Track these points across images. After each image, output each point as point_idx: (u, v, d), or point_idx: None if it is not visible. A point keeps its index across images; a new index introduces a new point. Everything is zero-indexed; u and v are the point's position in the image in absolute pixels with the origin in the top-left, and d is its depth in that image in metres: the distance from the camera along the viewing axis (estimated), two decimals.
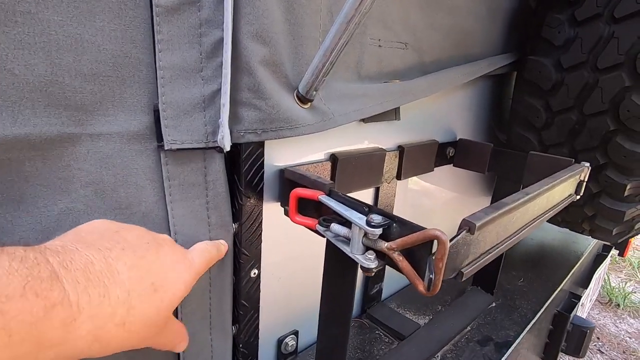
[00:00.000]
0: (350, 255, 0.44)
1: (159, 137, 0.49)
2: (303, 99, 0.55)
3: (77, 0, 0.40)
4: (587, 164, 0.77)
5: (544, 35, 0.89)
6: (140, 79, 0.47)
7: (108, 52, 0.44)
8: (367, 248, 0.44)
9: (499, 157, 0.92)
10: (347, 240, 0.45)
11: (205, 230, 0.56)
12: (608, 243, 1.55)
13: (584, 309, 1.40)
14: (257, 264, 0.63)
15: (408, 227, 0.41)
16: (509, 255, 1.26)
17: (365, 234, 0.43)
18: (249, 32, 0.49)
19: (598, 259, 1.52)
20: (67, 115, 0.43)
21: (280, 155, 0.62)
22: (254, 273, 0.63)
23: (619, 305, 2.79)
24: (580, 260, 1.27)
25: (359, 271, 0.44)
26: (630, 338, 2.51)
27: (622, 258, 3.34)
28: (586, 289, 1.28)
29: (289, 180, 0.58)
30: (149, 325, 0.37)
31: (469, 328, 0.88)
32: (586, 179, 0.78)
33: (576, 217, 1.06)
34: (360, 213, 0.44)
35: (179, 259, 0.44)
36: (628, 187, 0.87)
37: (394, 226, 0.42)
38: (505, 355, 0.79)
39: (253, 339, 0.67)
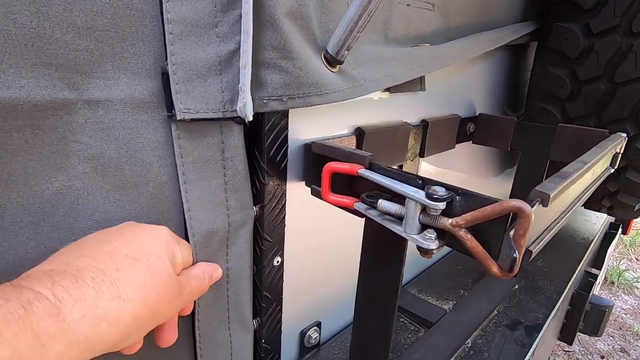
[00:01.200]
0: (404, 235, 0.38)
1: (169, 106, 0.41)
2: (332, 61, 0.48)
3: None
4: (624, 135, 0.72)
5: None
6: (144, 35, 0.39)
7: (105, 1, 0.36)
8: (423, 226, 0.37)
9: (523, 132, 0.86)
10: (398, 219, 0.39)
11: (224, 215, 0.49)
12: (619, 219, 1.54)
13: (597, 288, 1.39)
14: (280, 251, 0.56)
15: (477, 200, 0.35)
16: None
17: (424, 210, 0.37)
18: None
19: (607, 237, 1.50)
20: (59, 76, 0.35)
21: (303, 128, 0.55)
22: (277, 261, 0.56)
23: (613, 282, 2.83)
24: (594, 239, 1.24)
25: (424, 257, 0.37)
26: (626, 314, 2.56)
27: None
28: (601, 268, 1.26)
29: (317, 155, 0.51)
30: (150, 289, 0.33)
31: (495, 312, 0.84)
32: (622, 151, 0.73)
33: (597, 194, 1.02)
34: (414, 186, 0.38)
35: (165, 267, 0.37)
36: None
37: (457, 199, 0.36)
38: (537, 338, 0.76)
39: (276, 333, 0.61)
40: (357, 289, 0.49)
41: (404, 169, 0.75)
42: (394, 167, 0.74)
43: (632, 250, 3.29)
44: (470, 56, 0.72)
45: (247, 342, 0.58)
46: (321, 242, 0.66)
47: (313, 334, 0.68)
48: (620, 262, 3.07)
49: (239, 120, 0.46)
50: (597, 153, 0.56)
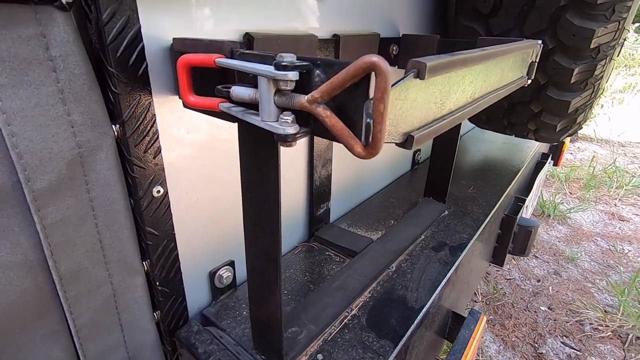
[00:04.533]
0: (262, 124, 0.31)
1: None
2: None
3: None
4: (539, 41, 0.69)
5: None
6: None
7: None
8: (282, 110, 0.31)
9: (446, 49, 0.81)
10: (257, 111, 0.32)
11: (67, 133, 0.39)
12: (550, 143, 1.60)
13: (527, 213, 1.46)
14: (159, 179, 0.48)
15: (336, 67, 0.28)
16: (458, 166, 1.23)
17: (278, 90, 0.30)
18: None
19: (538, 165, 1.57)
20: None
21: (170, 27, 0.46)
22: (158, 191, 0.49)
23: (549, 215, 3.07)
24: (524, 167, 1.28)
25: (284, 146, 0.31)
26: (559, 242, 2.80)
27: (553, 174, 3.64)
28: (529, 193, 1.31)
29: (180, 53, 0.42)
30: None
31: (422, 237, 0.83)
32: (537, 60, 0.70)
33: (522, 117, 1.02)
34: (269, 64, 0.31)
35: None
36: (575, 72, 0.83)
37: (316, 73, 0.30)
38: (460, 257, 0.76)
39: (173, 274, 0.55)
40: (242, 206, 0.43)
41: None
42: None
43: (567, 185, 3.57)
44: None
45: (136, 285, 0.51)
46: (218, 170, 0.58)
47: (225, 273, 0.63)
48: (556, 196, 3.33)
49: (60, 4, 0.35)
50: (503, 47, 0.52)
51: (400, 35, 0.87)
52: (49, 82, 0.37)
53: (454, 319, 0.80)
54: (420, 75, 0.32)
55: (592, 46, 0.78)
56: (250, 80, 0.34)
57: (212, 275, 0.62)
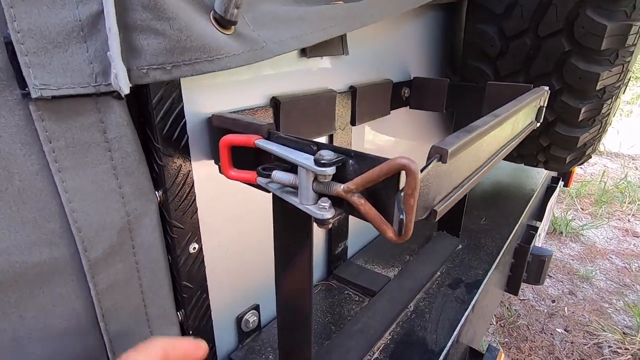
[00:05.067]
0: (300, 207, 0.35)
1: (21, 82, 0.35)
2: (222, 22, 0.43)
3: None
4: (546, 88, 0.73)
5: None
6: None
7: None
8: (320, 195, 0.35)
9: (456, 93, 0.85)
10: (295, 190, 0.36)
11: (118, 204, 0.44)
12: (559, 172, 1.61)
13: (540, 239, 1.47)
14: (195, 237, 0.52)
15: (368, 161, 0.32)
16: (470, 196, 1.25)
17: (316, 178, 0.34)
18: None
19: (549, 190, 1.58)
20: None
21: (206, 100, 0.50)
22: (194, 248, 0.52)
23: (562, 232, 3.04)
24: (535, 193, 1.30)
25: (321, 228, 0.35)
26: (573, 260, 2.77)
27: (564, 189, 3.62)
28: (541, 220, 1.32)
29: (219, 128, 0.46)
30: None
31: (438, 273, 0.85)
32: (545, 104, 0.74)
33: (532, 149, 1.05)
34: (307, 153, 0.35)
35: None
36: (582, 110, 0.86)
37: (350, 163, 0.33)
38: (477, 294, 0.78)
39: (205, 322, 0.58)
40: (275, 269, 0.47)
41: (334, 139, 0.72)
42: (323, 137, 0.71)
43: (578, 201, 3.54)
44: (393, 13, 0.68)
45: (172, 335, 0.54)
46: (246, 223, 0.62)
47: (251, 317, 0.66)
48: (567, 212, 3.31)
49: (117, 95, 0.40)
50: (514, 106, 0.56)
51: (412, 78, 0.92)
52: (105, 161, 0.42)
53: (472, 356, 0.81)
54: (442, 159, 0.35)
55: (598, 88, 0.81)
56: (286, 164, 0.38)
57: (239, 320, 0.65)
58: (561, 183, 1.83)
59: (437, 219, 0.37)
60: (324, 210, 0.33)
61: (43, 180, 0.39)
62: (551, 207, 1.59)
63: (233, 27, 0.45)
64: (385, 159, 0.31)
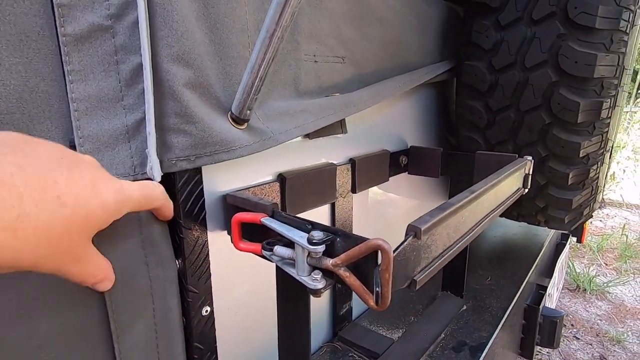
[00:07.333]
0: (297, 277, 0.41)
1: None
2: (238, 120, 0.53)
3: None
4: (530, 158, 0.80)
5: (474, 40, 0.93)
6: (51, 114, 0.43)
7: (9, 87, 0.40)
8: (313, 268, 0.41)
9: (450, 160, 0.93)
10: (293, 262, 0.43)
11: (144, 271, 0.51)
12: (565, 231, 1.62)
13: (552, 299, 1.44)
14: (208, 300, 0.58)
15: (352, 240, 0.39)
16: (474, 255, 1.27)
17: (310, 253, 0.40)
18: (169, 55, 0.47)
19: (558, 247, 1.58)
20: None
21: (223, 179, 0.59)
22: (206, 311, 0.58)
23: (585, 290, 2.90)
24: (542, 251, 1.31)
25: (326, 293, 0.41)
26: (601, 320, 2.61)
27: (583, 244, 3.51)
28: (550, 278, 1.31)
29: (232, 205, 0.54)
30: (51, 240, 0.32)
31: (442, 336, 0.86)
32: (531, 172, 0.80)
33: (530, 210, 1.09)
34: (303, 231, 0.42)
35: (99, 178, 0.38)
36: (571, 175, 0.91)
37: (337, 241, 0.40)
38: (481, 358, 0.78)
39: None
40: (277, 332, 0.51)
41: (336, 206, 0.80)
42: (326, 204, 0.78)
43: (601, 255, 3.40)
44: (384, 99, 0.79)
45: None
46: (254, 287, 0.68)
47: None
48: (590, 268, 3.17)
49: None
50: (495, 178, 0.63)
51: (409, 147, 1.01)
52: (135, 235, 0.49)
53: None
54: (417, 236, 0.41)
55: (581, 155, 0.88)
56: (286, 239, 0.44)
57: None
58: (572, 239, 1.81)
59: (417, 287, 0.43)
60: (317, 282, 0.39)
61: None
62: (562, 265, 1.57)
63: (246, 123, 0.55)
64: (365, 239, 0.37)
